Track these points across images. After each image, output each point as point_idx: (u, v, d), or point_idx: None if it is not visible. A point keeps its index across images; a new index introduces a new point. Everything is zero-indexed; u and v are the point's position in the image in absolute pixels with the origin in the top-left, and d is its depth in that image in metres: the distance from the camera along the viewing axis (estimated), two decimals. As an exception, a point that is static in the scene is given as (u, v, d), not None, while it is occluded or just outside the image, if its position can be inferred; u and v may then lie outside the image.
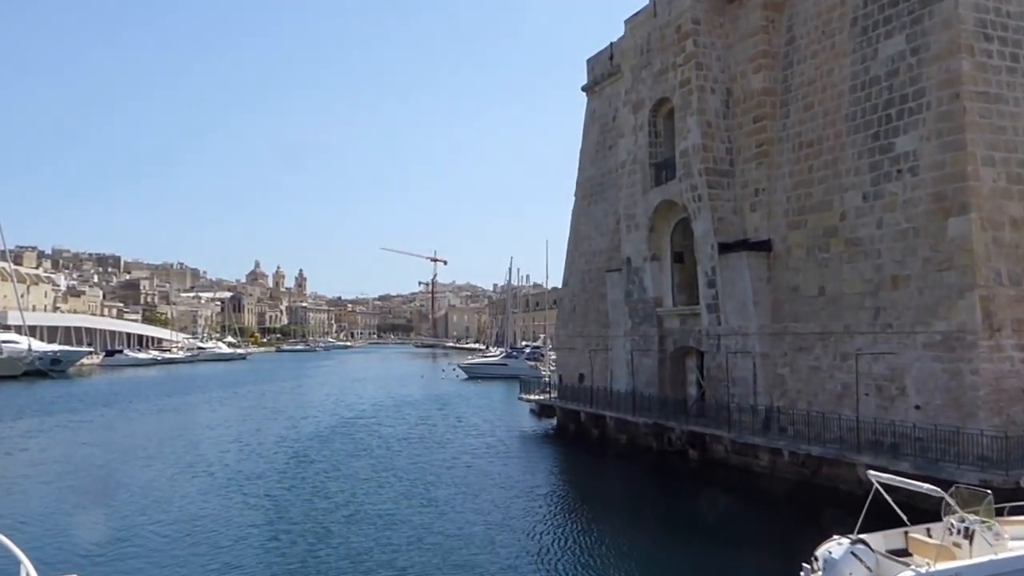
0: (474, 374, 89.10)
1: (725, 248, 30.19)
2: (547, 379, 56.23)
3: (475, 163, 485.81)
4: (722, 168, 30.98)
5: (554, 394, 45.10)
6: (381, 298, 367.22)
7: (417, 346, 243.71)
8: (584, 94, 45.27)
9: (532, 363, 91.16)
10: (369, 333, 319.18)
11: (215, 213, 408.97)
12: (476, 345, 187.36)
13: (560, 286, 46.22)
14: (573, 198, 44.93)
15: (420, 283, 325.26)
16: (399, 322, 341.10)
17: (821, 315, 26.76)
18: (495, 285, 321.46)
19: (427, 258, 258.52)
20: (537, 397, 45.75)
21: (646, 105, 34.65)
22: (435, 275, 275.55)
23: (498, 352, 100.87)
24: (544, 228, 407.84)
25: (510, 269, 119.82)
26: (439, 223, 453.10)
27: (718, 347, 30.65)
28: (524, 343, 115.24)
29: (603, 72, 43.16)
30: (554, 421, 43.63)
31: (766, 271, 29.08)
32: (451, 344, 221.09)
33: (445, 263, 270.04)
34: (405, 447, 38.20)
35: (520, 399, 48.28)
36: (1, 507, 25.50)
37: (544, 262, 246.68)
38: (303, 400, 65.41)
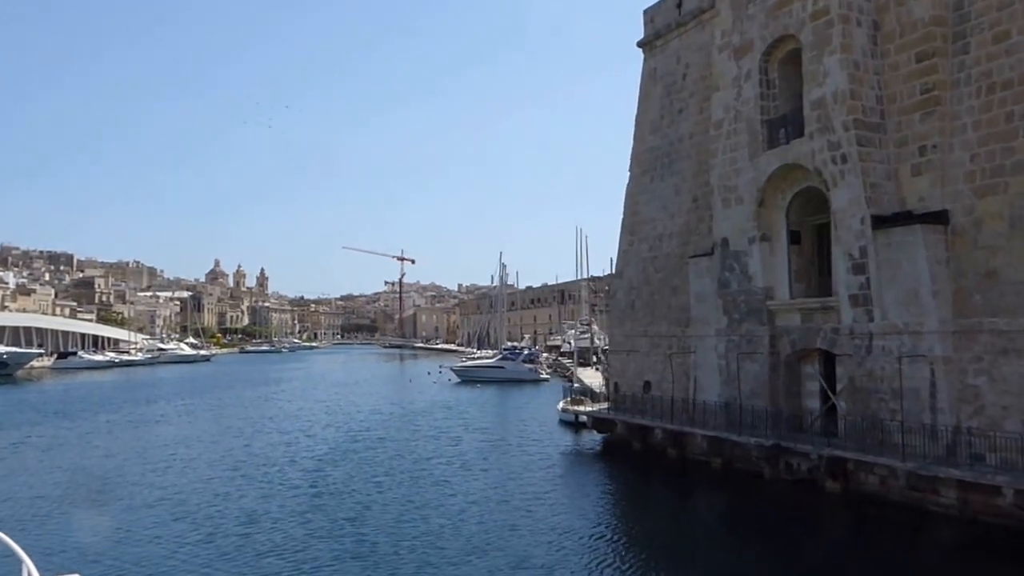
0: (468, 377, 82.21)
1: (882, 222, 23.47)
2: (575, 385, 49.87)
3: (445, 159, 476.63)
4: (872, 121, 24.24)
5: (601, 404, 38.44)
6: (344, 298, 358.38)
7: (384, 346, 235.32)
8: (641, 51, 38.28)
9: (530, 365, 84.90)
10: (333, 333, 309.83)
11: (172, 210, 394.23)
12: (452, 346, 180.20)
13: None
14: (628, 174, 37.94)
15: (386, 283, 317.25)
16: (363, 322, 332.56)
17: (1040, 307, 20.19)
18: (460, 285, 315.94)
19: (395, 257, 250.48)
20: (589, 408, 38.69)
21: (755, 48, 27.83)
22: (403, 274, 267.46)
23: (492, 354, 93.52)
24: (528, 226, 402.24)
25: (500, 266, 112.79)
26: (401, 223, 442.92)
27: (868, 349, 23.89)
28: (511, 343, 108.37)
29: (667, 23, 36.29)
30: (596, 435, 36.87)
31: (944, 251, 22.43)
32: (420, 344, 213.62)
33: (413, 262, 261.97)
34: (439, 471, 31.36)
35: (564, 410, 41.39)
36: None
37: (507, 262, 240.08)
38: (291, 409, 56.83)
